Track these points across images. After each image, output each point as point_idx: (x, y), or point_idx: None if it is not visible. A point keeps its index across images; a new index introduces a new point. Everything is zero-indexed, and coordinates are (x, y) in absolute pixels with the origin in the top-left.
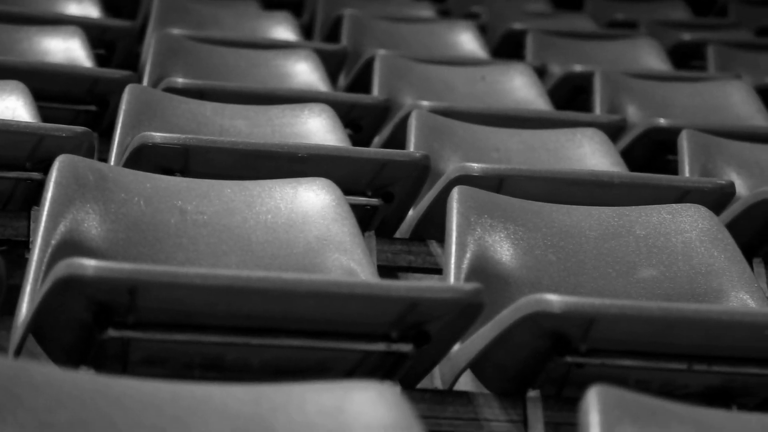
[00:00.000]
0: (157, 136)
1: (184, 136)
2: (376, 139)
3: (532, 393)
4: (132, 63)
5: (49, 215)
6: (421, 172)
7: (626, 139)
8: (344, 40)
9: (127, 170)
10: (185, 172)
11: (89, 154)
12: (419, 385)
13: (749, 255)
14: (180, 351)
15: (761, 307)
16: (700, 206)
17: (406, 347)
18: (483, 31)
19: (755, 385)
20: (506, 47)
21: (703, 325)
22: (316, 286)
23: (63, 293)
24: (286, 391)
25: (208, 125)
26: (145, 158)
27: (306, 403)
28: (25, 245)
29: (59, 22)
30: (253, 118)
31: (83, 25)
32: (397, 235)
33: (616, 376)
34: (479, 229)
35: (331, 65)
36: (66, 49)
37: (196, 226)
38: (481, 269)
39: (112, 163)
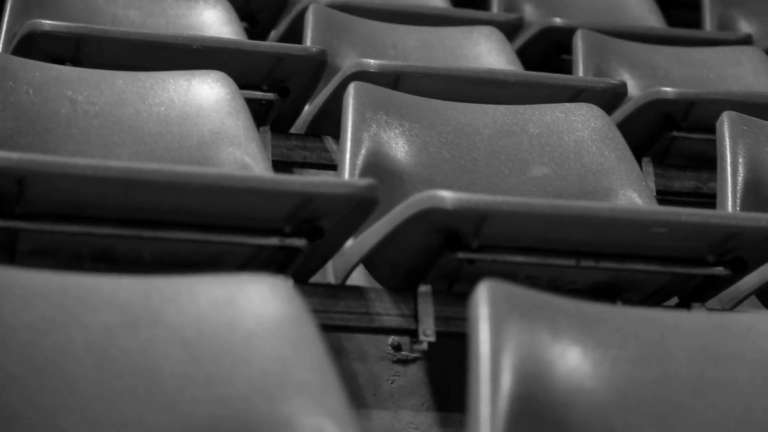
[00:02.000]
0: (47, 23)
1: (74, 24)
2: (273, 34)
3: (424, 288)
4: None
5: None
6: (318, 67)
7: (522, 39)
8: None
9: (15, 58)
10: (76, 62)
11: None
12: (312, 280)
13: (639, 154)
14: (70, 242)
15: (648, 205)
16: (592, 106)
17: (299, 242)
18: None
19: (640, 280)
20: None
21: (591, 222)
22: (208, 179)
23: None
24: (177, 284)
25: (100, 14)
26: (34, 47)
27: (197, 295)
28: None
29: None
30: (147, 8)
31: None
32: (293, 130)
33: (507, 272)
34: (374, 126)
35: None
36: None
37: (87, 117)
38: (376, 166)
39: None
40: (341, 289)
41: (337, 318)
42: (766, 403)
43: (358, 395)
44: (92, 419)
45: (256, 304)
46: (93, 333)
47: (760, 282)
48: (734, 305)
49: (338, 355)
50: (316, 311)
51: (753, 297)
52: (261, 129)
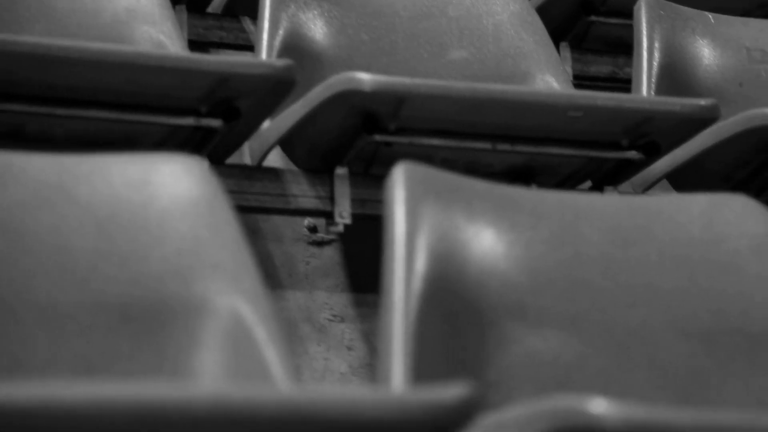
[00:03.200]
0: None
1: None
2: None
3: (340, 170)
4: None
5: None
6: None
7: None
8: None
9: None
10: None
11: None
12: (228, 161)
13: (557, 39)
14: None
15: (565, 90)
16: None
17: (214, 122)
18: None
19: (555, 164)
20: None
21: (508, 105)
22: (123, 57)
23: None
24: (90, 162)
25: None
26: None
27: (111, 174)
28: None
29: None
30: None
31: None
32: (210, 9)
33: (424, 155)
34: (293, 6)
35: None
36: None
37: None
38: (294, 47)
39: None
40: (257, 171)
41: (252, 199)
42: (674, 282)
43: (273, 276)
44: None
45: (170, 183)
46: (2, 209)
47: (672, 166)
48: (646, 188)
49: (254, 236)
50: (231, 192)
51: (664, 180)
52: (177, 8)
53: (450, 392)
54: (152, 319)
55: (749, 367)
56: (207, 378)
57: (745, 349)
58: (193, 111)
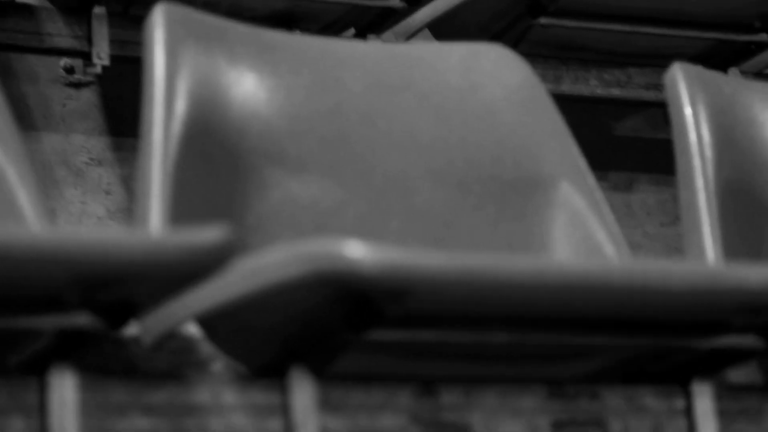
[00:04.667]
0: None
1: None
2: None
3: (98, 9)
4: None
5: None
6: None
7: None
8: None
9: None
10: None
11: None
12: None
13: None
14: None
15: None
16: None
17: None
18: None
19: (318, 10)
20: None
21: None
22: None
23: None
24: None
25: None
26: None
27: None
28: None
29: None
30: None
31: None
32: None
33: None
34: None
35: None
36: None
37: None
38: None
39: None
40: (10, 6)
41: (4, 36)
42: (431, 130)
43: (27, 118)
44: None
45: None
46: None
47: (433, 15)
48: (408, 37)
49: (6, 76)
50: None
51: (426, 30)
52: None
53: (207, 235)
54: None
55: (500, 213)
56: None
57: (497, 195)
58: None
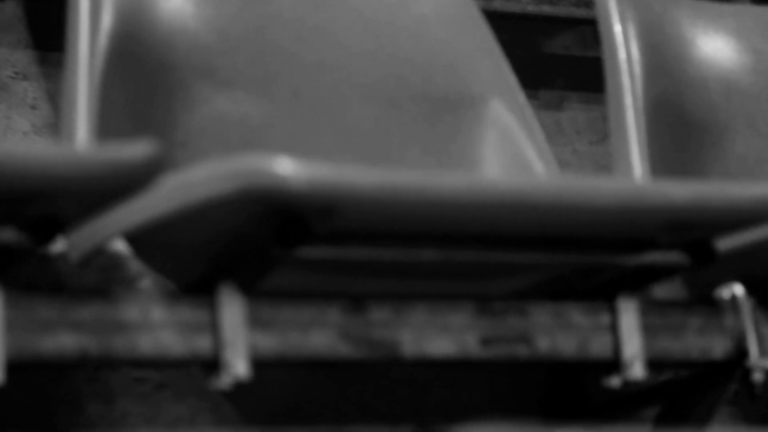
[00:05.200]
0: None
1: None
2: None
3: None
4: None
5: None
6: None
7: None
8: None
9: None
10: None
11: None
12: None
13: None
14: None
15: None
16: None
17: None
18: None
19: None
20: None
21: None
22: None
23: None
24: None
25: None
26: None
27: None
28: None
29: None
30: None
31: None
32: None
33: None
34: None
35: None
36: None
37: None
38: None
39: None
40: None
41: None
42: (363, 47)
43: None
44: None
45: None
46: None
47: None
48: None
49: None
50: None
51: None
52: None
53: (134, 150)
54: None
55: (430, 130)
56: None
57: (428, 112)
58: None
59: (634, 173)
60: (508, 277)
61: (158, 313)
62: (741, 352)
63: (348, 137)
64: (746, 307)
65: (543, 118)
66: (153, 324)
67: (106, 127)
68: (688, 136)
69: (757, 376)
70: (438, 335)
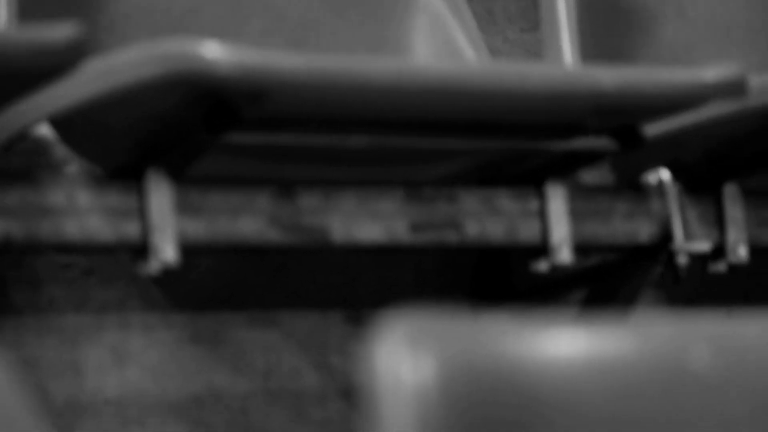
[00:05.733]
0: None
1: None
2: None
3: None
4: None
5: None
6: None
7: None
8: None
9: None
10: None
11: None
12: None
13: None
14: None
15: None
16: None
17: None
18: None
19: None
20: None
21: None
22: None
23: None
24: None
25: None
26: None
27: None
28: None
29: None
30: None
31: None
32: None
33: None
34: None
35: None
36: None
37: None
38: None
39: None
40: None
41: None
42: None
43: None
44: None
45: None
46: None
47: None
48: None
49: None
50: None
51: None
52: None
53: (57, 32)
54: None
55: (361, 16)
56: None
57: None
58: None
59: (564, 59)
60: (437, 163)
61: (84, 197)
62: (666, 237)
63: (278, 24)
64: (672, 193)
65: (474, 6)
66: (79, 209)
67: (28, 8)
68: (619, 23)
69: (682, 260)
70: (367, 221)
